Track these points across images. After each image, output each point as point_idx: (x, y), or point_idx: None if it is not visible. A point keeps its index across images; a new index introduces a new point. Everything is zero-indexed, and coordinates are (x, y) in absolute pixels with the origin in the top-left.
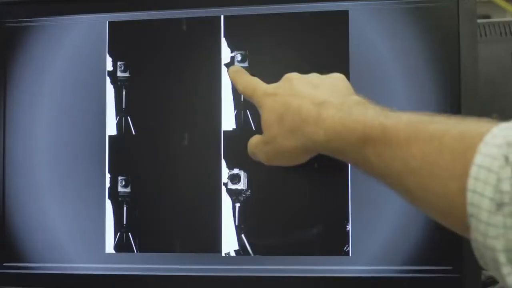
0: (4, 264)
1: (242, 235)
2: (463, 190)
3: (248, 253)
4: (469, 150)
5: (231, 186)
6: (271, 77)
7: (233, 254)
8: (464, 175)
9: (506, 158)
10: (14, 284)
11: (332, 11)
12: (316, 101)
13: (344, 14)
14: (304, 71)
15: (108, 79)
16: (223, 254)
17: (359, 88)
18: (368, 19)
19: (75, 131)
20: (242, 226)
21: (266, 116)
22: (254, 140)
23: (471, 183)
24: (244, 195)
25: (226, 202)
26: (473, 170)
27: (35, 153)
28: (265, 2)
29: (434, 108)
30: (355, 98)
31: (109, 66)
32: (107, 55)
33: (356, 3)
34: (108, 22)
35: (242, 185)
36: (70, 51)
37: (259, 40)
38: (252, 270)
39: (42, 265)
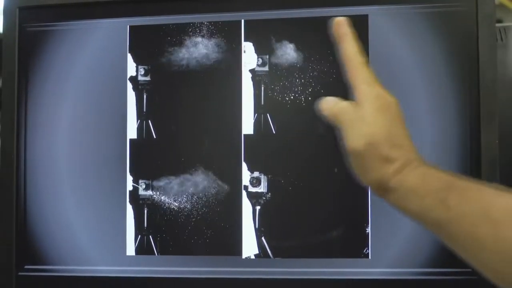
0: (26, 267)
1: (262, 238)
2: None
3: (268, 256)
4: None
5: (251, 189)
6: (291, 80)
7: (253, 257)
8: None
9: None
10: (35, 287)
11: (352, 16)
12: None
13: (364, 18)
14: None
15: (129, 83)
16: (243, 257)
17: None
18: (387, 23)
19: (96, 135)
20: (262, 229)
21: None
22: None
23: None
24: (264, 198)
25: (247, 205)
26: None
27: (56, 157)
28: (285, 7)
29: (453, 111)
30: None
31: (130, 70)
32: (128, 59)
33: (376, 7)
34: (129, 26)
35: (262, 188)
36: (91, 55)
37: (279, 45)
38: (272, 273)
39: (63, 268)
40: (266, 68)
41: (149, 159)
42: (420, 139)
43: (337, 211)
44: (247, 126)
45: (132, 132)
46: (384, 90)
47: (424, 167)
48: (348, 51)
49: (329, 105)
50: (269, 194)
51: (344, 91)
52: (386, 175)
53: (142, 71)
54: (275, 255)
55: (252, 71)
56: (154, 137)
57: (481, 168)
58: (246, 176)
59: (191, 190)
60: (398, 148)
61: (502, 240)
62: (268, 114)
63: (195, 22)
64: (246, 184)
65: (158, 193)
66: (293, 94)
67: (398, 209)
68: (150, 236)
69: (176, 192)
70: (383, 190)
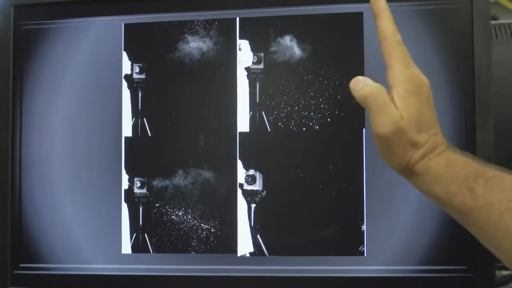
0: (21, 265)
1: (258, 236)
2: None
3: (264, 254)
4: None
5: (246, 187)
6: (286, 78)
7: (248, 255)
8: None
9: None
10: (30, 285)
11: (346, 13)
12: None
13: (359, 16)
14: (319, 72)
15: (124, 81)
16: (238, 255)
17: None
18: None
19: (91, 133)
20: (258, 227)
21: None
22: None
23: None
24: (259, 196)
25: (242, 203)
26: None
27: (51, 155)
28: (281, 4)
29: (448, 108)
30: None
31: (125, 68)
32: (123, 57)
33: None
34: (124, 24)
35: (257, 186)
36: (86, 53)
37: (274, 42)
38: (268, 271)
39: (58, 266)
40: (262, 66)
41: (144, 157)
42: None
43: (332, 208)
44: (243, 124)
45: (127, 130)
46: (418, 70)
47: (449, 152)
48: (384, 29)
49: (359, 86)
50: (265, 192)
51: (341, 90)
52: (412, 159)
53: (137, 69)
54: (270, 253)
55: (247, 68)
56: (150, 135)
57: None
58: (241, 174)
59: (186, 188)
60: (425, 132)
61: None
62: (263, 112)
63: (190, 20)
64: (242, 182)
65: (153, 191)
66: (288, 92)
67: (422, 192)
68: (146, 234)
69: (171, 190)
70: (408, 173)
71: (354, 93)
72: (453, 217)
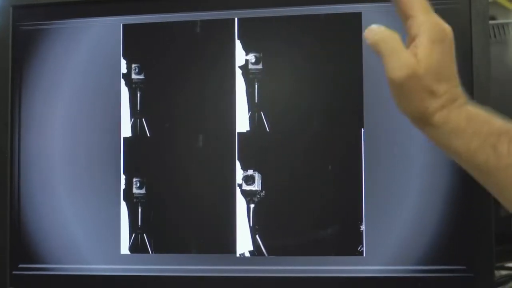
0: (20, 265)
1: (257, 236)
2: None
3: (263, 254)
4: None
5: (245, 187)
6: (285, 78)
7: (247, 254)
8: None
9: None
10: (29, 285)
11: (345, 13)
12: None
13: (357, 16)
14: (317, 72)
15: (122, 81)
16: (237, 255)
17: (373, 89)
18: (381, 20)
19: (90, 133)
20: (257, 227)
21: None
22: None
23: None
24: (258, 196)
25: (241, 203)
26: None
27: (50, 155)
28: (279, 5)
29: None
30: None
31: (124, 69)
32: (122, 57)
33: (369, 5)
34: (123, 24)
35: (256, 186)
36: (85, 54)
37: (273, 42)
38: (267, 271)
39: (58, 266)
40: (260, 66)
41: (143, 157)
42: (412, 137)
43: (331, 208)
44: (241, 124)
45: (126, 130)
46: (440, 19)
47: (471, 107)
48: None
49: (372, 33)
50: (263, 192)
51: (340, 90)
52: (430, 108)
53: (135, 69)
54: (269, 253)
55: (245, 68)
56: (148, 135)
57: None
58: (240, 174)
59: (185, 188)
60: (446, 82)
61: None
62: (262, 112)
63: (188, 20)
64: (240, 182)
65: (152, 191)
66: (287, 92)
67: (439, 145)
68: (144, 235)
69: (170, 190)
70: (423, 123)
71: (368, 41)
72: (472, 175)
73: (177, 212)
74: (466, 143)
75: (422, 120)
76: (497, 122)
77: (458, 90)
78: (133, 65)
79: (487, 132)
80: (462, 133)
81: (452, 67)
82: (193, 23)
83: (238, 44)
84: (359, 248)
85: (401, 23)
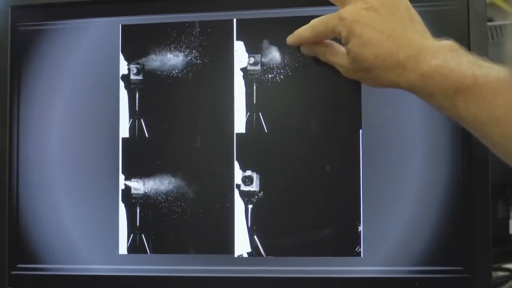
0: (18, 266)
1: (255, 237)
2: None
3: (261, 255)
4: None
5: (243, 188)
6: (283, 79)
7: (245, 255)
8: None
9: None
10: (27, 285)
11: None
12: (413, 46)
13: None
14: (316, 73)
15: (121, 82)
16: (235, 256)
17: (370, 91)
18: None
19: (88, 134)
20: (255, 228)
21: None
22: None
23: None
24: (256, 196)
25: (239, 203)
26: None
27: (48, 155)
28: (278, 6)
29: None
30: (448, 44)
31: (123, 69)
32: (120, 58)
33: None
34: (121, 25)
35: (254, 186)
36: (84, 54)
37: (271, 43)
38: (265, 271)
39: (55, 266)
40: (258, 67)
41: (142, 158)
42: (410, 138)
43: (329, 209)
44: (239, 125)
45: (124, 131)
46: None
47: (426, 65)
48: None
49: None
50: (262, 192)
51: (338, 91)
52: (402, 77)
53: (134, 70)
54: (267, 254)
55: (244, 70)
56: (147, 136)
57: (471, 165)
58: (238, 174)
59: (183, 189)
60: (405, 48)
61: None
62: (260, 113)
63: (187, 21)
64: (239, 183)
65: (150, 192)
66: (285, 93)
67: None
68: (143, 235)
69: (168, 191)
70: (406, 88)
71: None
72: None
73: (176, 212)
74: (435, 101)
75: (402, 87)
76: (453, 73)
77: (417, 52)
78: (131, 66)
79: (446, 88)
80: (424, 94)
81: (407, 31)
82: (191, 24)
83: (236, 45)
84: (357, 249)
85: None
